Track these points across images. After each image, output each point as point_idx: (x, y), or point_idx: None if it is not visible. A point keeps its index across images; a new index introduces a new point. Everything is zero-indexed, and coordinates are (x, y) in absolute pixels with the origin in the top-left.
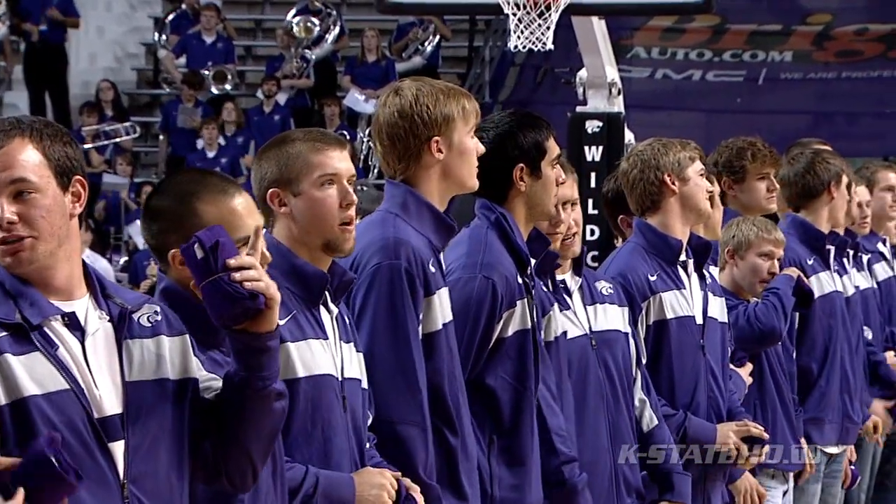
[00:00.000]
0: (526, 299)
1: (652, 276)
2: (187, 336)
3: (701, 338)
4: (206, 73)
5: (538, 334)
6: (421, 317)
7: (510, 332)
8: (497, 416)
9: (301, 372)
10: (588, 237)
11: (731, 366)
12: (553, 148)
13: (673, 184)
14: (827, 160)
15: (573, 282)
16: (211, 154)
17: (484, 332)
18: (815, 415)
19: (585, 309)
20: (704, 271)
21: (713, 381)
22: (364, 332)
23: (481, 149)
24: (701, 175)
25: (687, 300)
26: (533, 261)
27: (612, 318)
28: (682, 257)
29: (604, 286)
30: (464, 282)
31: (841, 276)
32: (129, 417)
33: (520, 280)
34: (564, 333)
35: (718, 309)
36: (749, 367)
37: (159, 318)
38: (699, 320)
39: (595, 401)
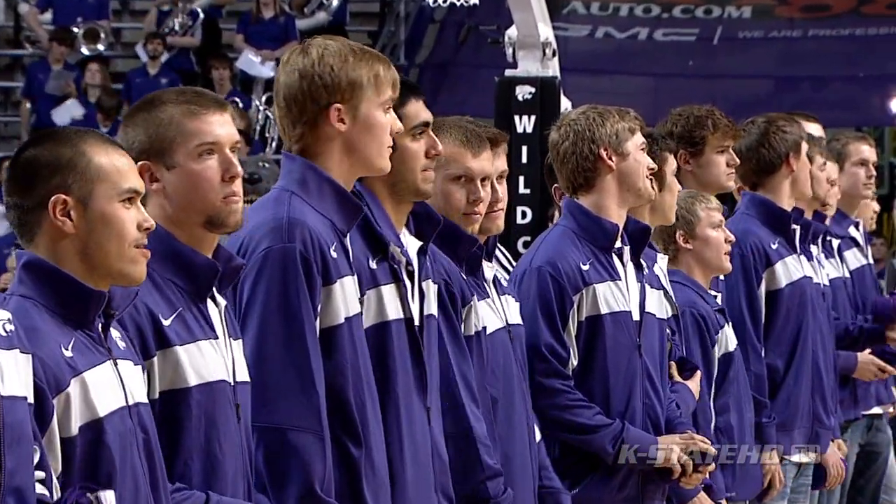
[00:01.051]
0: (393, 286)
1: (584, 265)
2: (31, 356)
3: (637, 336)
4: (76, 30)
5: (427, 325)
6: (319, 308)
7: (363, 325)
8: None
9: (193, 380)
10: (519, 220)
11: (679, 378)
12: (412, 115)
13: (610, 159)
14: (782, 129)
15: (487, 268)
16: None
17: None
18: (782, 419)
19: (500, 298)
20: (642, 261)
21: (650, 385)
22: (252, 324)
23: (398, 126)
24: (642, 149)
25: (623, 293)
26: (415, 243)
27: (515, 310)
28: (618, 244)
29: (502, 276)
30: None
31: (808, 262)
32: (6, 438)
33: (373, 265)
34: (485, 329)
35: (656, 303)
36: (698, 377)
37: (13, 328)
38: (636, 316)
39: (519, 402)
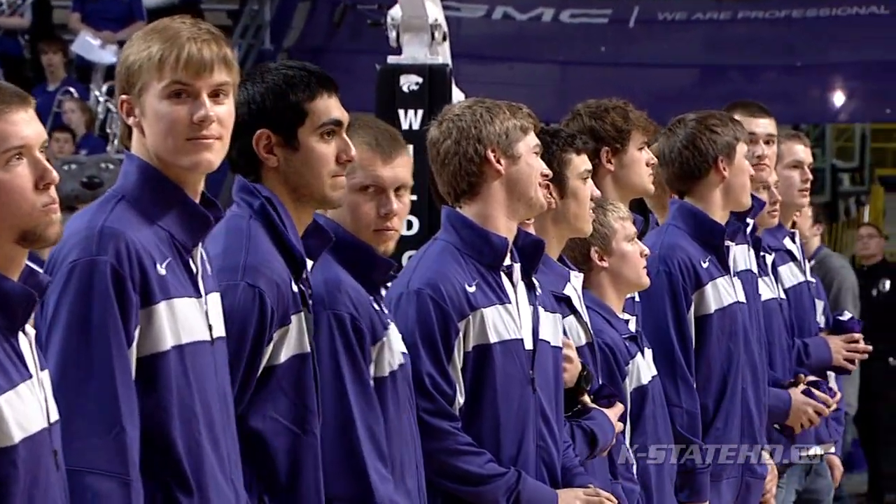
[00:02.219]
0: (303, 313)
1: (470, 286)
2: None
3: (531, 368)
4: None
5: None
6: (137, 332)
7: (283, 357)
8: (269, 471)
9: (17, 435)
10: (405, 231)
11: (596, 405)
12: (321, 111)
13: (498, 162)
14: (713, 128)
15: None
16: None
17: (250, 358)
18: (711, 468)
19: None
20: (535, 279)
21: (544, 425)
22: (54, 349)
23: (201, 114)
24: (535, 152)
25: (514, 318)
26: (311, 264)
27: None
28: (507, 261)
29: None
30: (222, 291)
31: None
32: None
33: (294, 288)
34: (402, 366)
35: (551, 329)
36: (619, 408)
37: None
38: (528, 345)
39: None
